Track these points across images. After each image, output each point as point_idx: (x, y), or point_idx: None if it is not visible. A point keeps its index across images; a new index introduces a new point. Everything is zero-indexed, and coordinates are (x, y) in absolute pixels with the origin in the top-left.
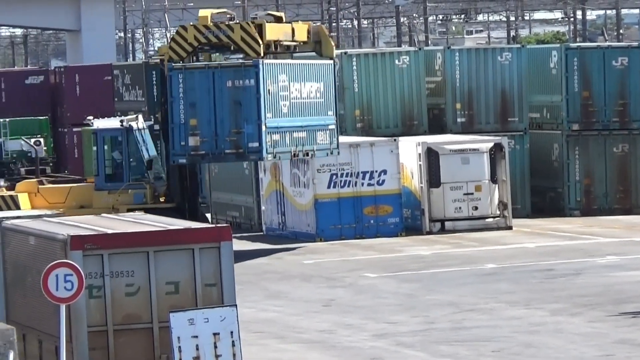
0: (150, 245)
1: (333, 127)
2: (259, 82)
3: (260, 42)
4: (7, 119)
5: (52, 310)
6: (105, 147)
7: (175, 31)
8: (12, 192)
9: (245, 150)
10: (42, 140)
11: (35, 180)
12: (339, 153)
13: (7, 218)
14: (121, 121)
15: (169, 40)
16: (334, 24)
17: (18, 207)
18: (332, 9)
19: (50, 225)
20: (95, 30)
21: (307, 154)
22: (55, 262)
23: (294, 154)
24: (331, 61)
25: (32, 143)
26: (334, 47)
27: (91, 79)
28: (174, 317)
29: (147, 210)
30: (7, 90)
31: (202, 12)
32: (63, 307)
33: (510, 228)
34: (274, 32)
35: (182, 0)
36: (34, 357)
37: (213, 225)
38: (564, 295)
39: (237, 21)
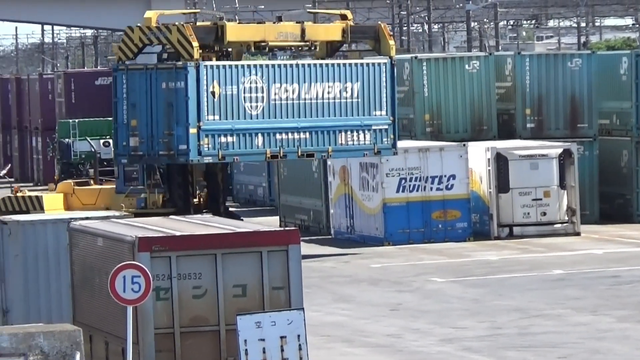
0: (218, 247)
1: (384, 127)
2: (188, 84)
3: (194, 44)
4: (77, 120)
5: (119, 311)
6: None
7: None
8: (37, 193)
9: (175, 152)
10: (111, 141)
11: (71, 181)
12: (395, 153)
13: (75, 219)
14: None
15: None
16: (404, 28)
17: (42, 209)
18: (402, 13)
19: (118, 226)
20: None
21: (312, 155)
22: (123, 263)
23: (272, 156)
24: (387, 60)
25: (92, 144)
26: (393, 47)
27: None
28: (241, 319)
29: (146, 216)
30: (77, 91)
31: (147, 14)
32: (130, 309)
33: (578, 234)
34: (244, 33)
35: (253, 1)
36: (100, 358)
37: (281, 229)
38: (631, 301)
39: (179, 23)
